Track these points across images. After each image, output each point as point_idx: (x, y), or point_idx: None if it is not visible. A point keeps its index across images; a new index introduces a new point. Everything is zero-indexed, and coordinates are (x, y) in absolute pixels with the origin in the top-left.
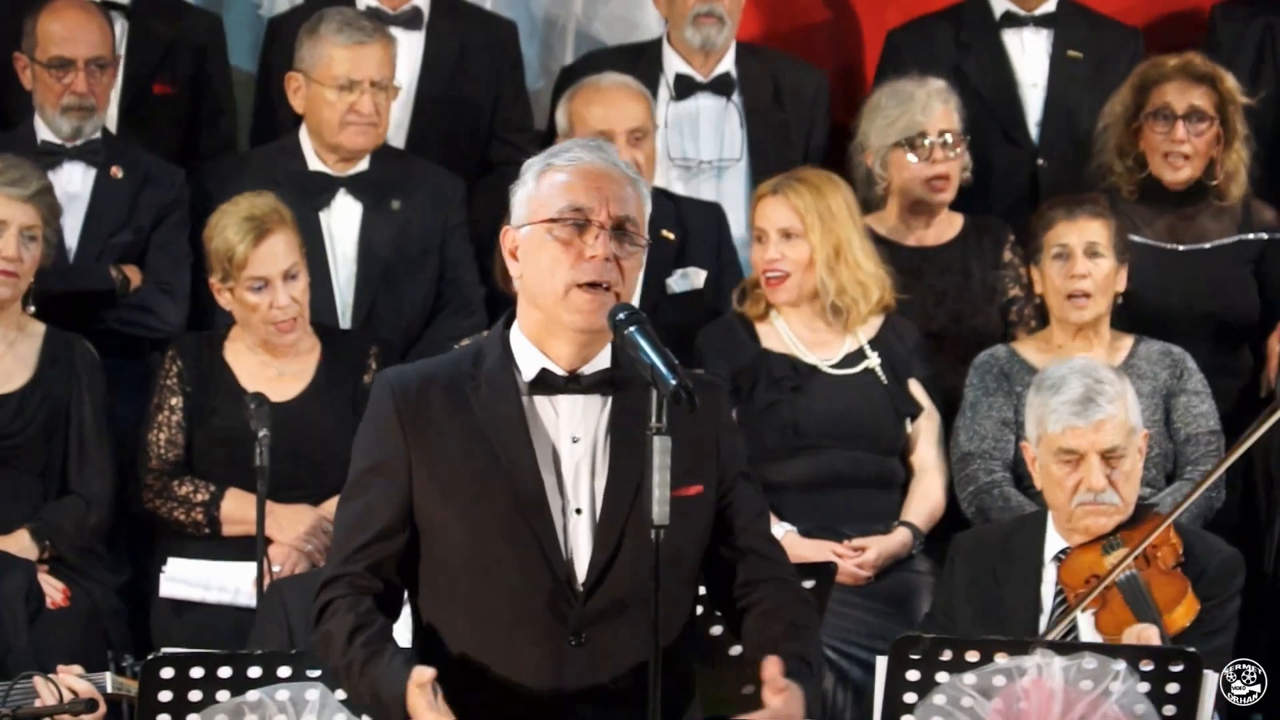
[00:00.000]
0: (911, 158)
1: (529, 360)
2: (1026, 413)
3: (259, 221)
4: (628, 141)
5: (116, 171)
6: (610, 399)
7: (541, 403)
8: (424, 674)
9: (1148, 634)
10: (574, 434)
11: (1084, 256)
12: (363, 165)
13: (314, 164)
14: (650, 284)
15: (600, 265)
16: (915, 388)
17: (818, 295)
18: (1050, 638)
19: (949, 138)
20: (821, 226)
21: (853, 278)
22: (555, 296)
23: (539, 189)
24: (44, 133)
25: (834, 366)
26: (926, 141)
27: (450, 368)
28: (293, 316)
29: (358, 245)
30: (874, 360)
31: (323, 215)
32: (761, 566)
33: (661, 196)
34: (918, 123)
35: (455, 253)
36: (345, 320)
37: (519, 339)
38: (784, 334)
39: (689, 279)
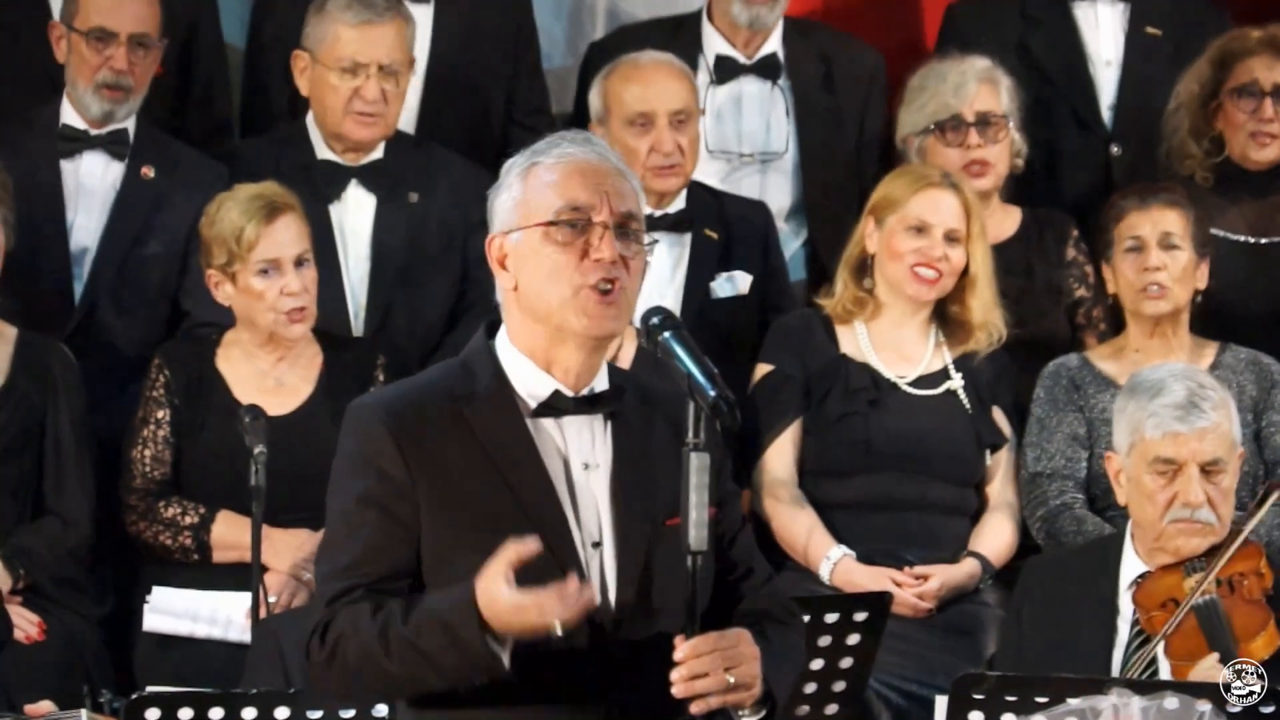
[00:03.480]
0: (944, 144)
1: (532, 380)
2: (1116, 420)
3: (269, 201)
4: (670, 125)
5: (148, 172)
6: (610, 420)
7: (547, 425)
8: (506, 556)
9: (1214, 672)
10: (585, 459)
11: (1159, 248)
12: (376, 154)
13: (322, 153)
14: (692, 287)
15: (608, 267)
16: (999, 416)
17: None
18: (1132, 669)
19: (989, 120)
20: (982, 240)
21: (992, 304)
22: (563, 302)
23: (527, 190)
24: (68, 115)
25: (913, 385)
26: (960, 126)
27: (439, 389)
28: (304, 305)
29: (371, 241)
30: (957, 382)
31: (333, 209)
32: (747, 586)
33: (703, 192)
34: (949, 106)
35: (479, 249)
36: (358, 323)
37: (513, 356)
38: (863, 343)
39: (734, 283)
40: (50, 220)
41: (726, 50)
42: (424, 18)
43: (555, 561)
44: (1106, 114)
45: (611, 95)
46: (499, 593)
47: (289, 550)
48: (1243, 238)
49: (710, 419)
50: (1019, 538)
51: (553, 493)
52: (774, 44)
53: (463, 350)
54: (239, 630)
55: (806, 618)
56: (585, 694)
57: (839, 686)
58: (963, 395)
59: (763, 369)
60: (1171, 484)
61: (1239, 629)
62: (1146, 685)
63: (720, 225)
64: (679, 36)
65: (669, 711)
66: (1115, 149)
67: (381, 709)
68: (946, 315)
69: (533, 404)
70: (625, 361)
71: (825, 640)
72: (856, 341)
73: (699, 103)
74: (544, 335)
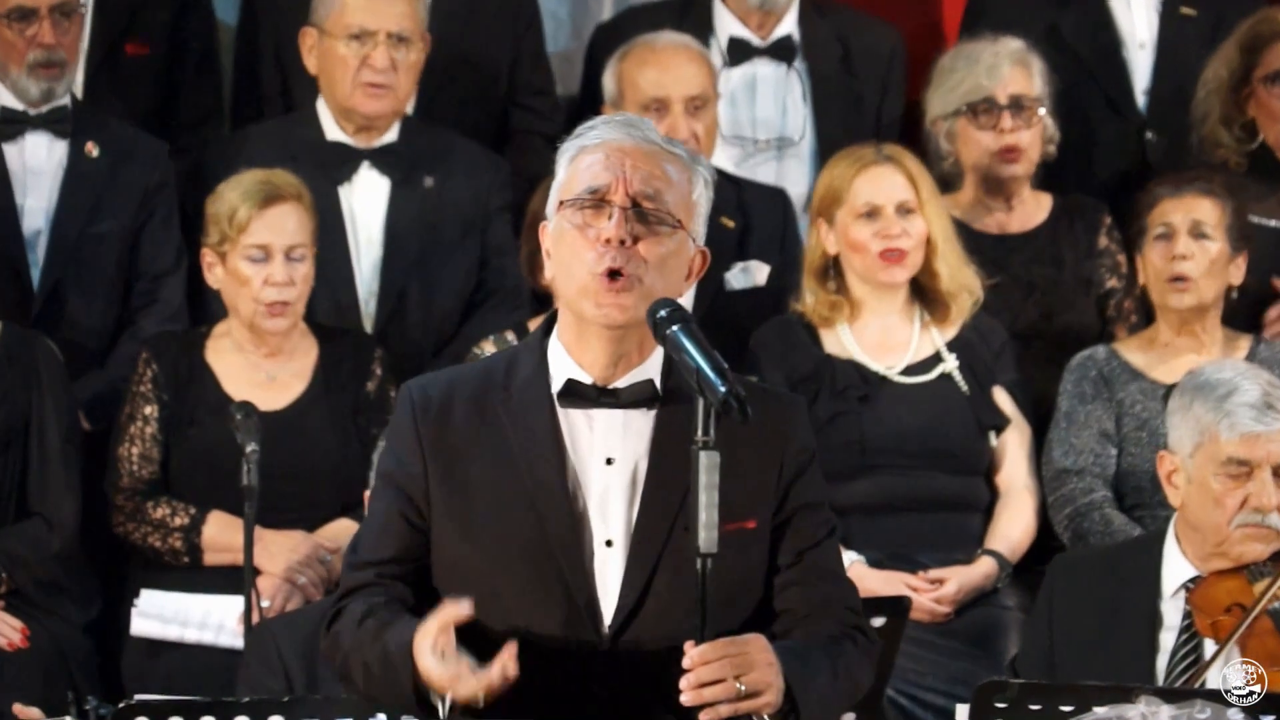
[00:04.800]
0: (976, 127)
1: (561, 369)
2: (1177, 419)
3: (273, 187)
4: (685, 111)
5: (92, 149)
6: (655, 415)
7: (577, 418)
8: (440, 618)
9: None
10: (609, 454)
11: (1188, 236)
12: (390, 136)
13: (333, 133)
14: (707, 279)
15: (613, 249)
16: (1001, 396)
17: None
18: (1190, 677)
19: (1022, 104)
20: (934, 203)
21: (960, 264)
22: (577, 289)
23: (566, 175)
24: (4, 98)
25: (904, 373)
26: (993, 108)
27: (479, 378)
28: (287, 300)
29: (384, 226)
30: (951, 364)
31: (342, 191)
32: (805, 600)
33: (721, 179)
34: (982, 87)
35: (498, 238)
36: (369, 312)
37: (555, 346)
38: (847, 340)
39: (750, 274)
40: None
41: (740, 31)
42: None
43: (553, 561)
44: (1141, 98)
45: (626, 79)
46: (424, 661)
47: (283, 552)
48: (1278, 223)
49: (721, 416)
50: (1038, 525)
51: (565, 487)
52: (789, 25)
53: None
54: (231, 635)
55: None
56: (589, 700)
57: None
58: (958, 377)
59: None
60: (1242, 487)
61: None
62: (1176, 694)
63: (738, 213)
64: (689, 17)
65: None
66: (1150, 134)
67: (382, 717)
68: (924, 292)
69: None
70: None
71: (877, 648)
72: (840, 340)
73: (717, 88)
74: (574, 324)
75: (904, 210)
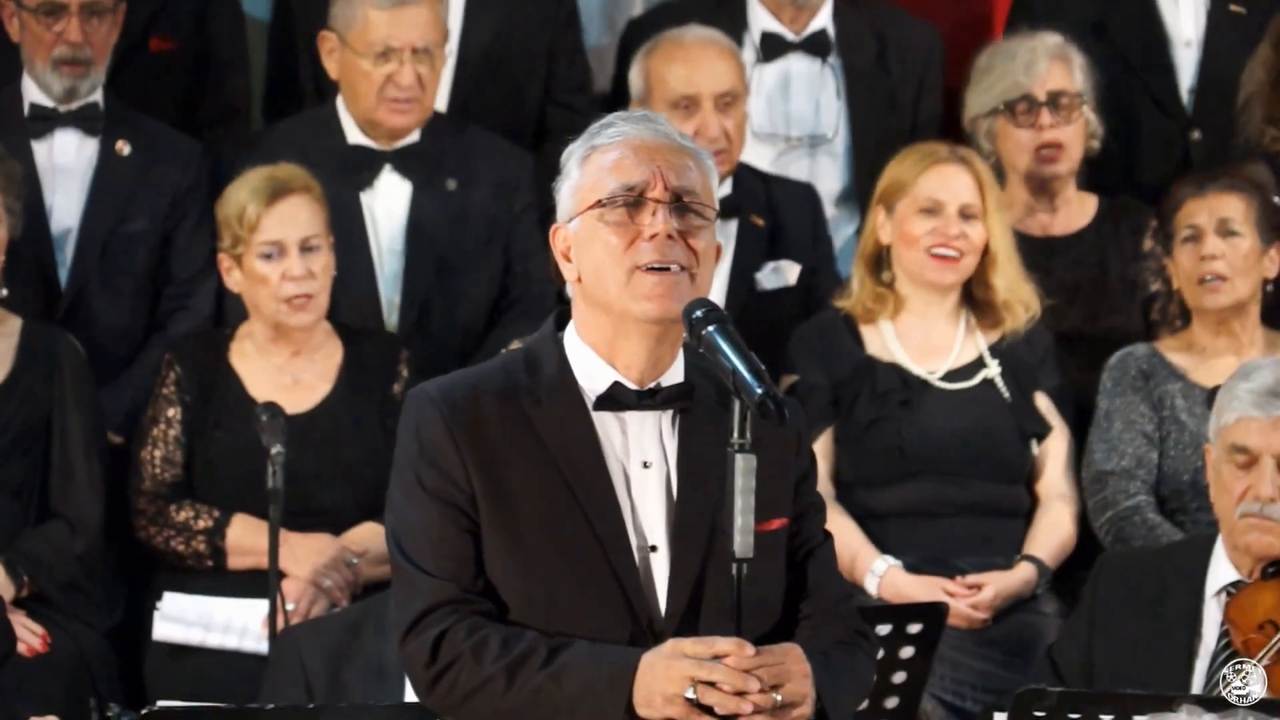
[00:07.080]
0: (1015, 125)
1: (594, 372)
2: (1213, 412)
3: (279, 181)
4: (715, 107)
5: (123, 147)
6: (678, 417)
7: (607, 420)
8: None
9: None
10: (645, 457)
11: (1215, 235)
12: (412, 138)
13: (354, 137)
14: (737, 279)
15: (663, 244)
16: (1043, 402)
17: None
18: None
19: (1061, 100)
20: (999, 214)
21: (1019, 280)
22: (619, 286)
23: (584, 175)
24: (34, 94)
25: (946, 378)
26: (1031, 106)
27: (500, 377)
28: (308, 292)
29: (406, 232)
30: (994, 370)
31: (364, 197)
32: (812, 601)
33: (750, 175)
34: (1020, 84)
35: (524, 241)
36: (392, 319)
37: (578, 346)
38: (890, 341)
39: (781, 274)
40: (28, 204)
41: (773, 26)
42: None
43: (609, 568)
44: (1186, 97)
45: (653, 75)
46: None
47: (308, 555)
48: None
49: (759, 418)
50: (1078, 532)
51: (612, 493)
52: (823, 19)
53: (528, 341)
54: (255, 640)
55: None
56: None
57: (891, 702)
58: (1000, 384)
59: (787, 380)
60: (1246, 475)
61: None
62: (1219, 702)
63: (768, 211)
64: (722, 11)
65: None
66: (1195, 134)
67: None
68: (975, 299)
69: (593, 397)
70: None
71: (877, 653)
72: (883, 340)
73: (747, 83)
74: (609, 326)
75: (966, 214)
